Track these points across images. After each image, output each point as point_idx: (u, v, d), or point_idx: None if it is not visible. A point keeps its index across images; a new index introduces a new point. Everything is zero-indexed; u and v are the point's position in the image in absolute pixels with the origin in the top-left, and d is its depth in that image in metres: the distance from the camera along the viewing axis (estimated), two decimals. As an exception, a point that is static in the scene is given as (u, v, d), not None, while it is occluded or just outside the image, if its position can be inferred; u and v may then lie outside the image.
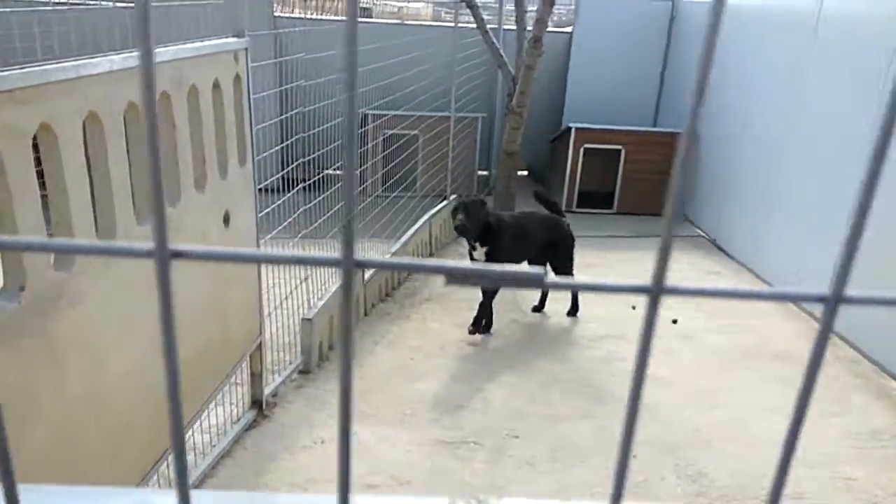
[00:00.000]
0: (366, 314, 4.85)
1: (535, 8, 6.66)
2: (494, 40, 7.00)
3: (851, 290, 0.41)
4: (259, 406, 3.32)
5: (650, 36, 9.41)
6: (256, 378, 3.27)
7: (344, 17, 0.34)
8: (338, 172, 6.90)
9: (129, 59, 1.99)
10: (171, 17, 4.70)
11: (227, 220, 2.65)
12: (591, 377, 4.02)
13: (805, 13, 5.67)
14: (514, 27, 7.35)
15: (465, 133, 8.50)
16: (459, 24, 7.27)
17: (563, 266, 4.91)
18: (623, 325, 4.85)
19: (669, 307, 5.24)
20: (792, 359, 4.32)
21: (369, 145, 8.35)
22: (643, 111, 9.68)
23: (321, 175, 5.74)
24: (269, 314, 3.44)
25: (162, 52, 2.09)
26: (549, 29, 10.74)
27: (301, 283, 3.89)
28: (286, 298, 3.71)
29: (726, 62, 6.93)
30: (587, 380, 4.00)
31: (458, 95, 7.63)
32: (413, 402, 3.60)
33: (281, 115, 5.66)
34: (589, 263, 6.51)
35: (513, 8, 7.23)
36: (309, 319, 3.80)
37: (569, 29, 9.56)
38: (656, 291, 0.42)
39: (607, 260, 6.67)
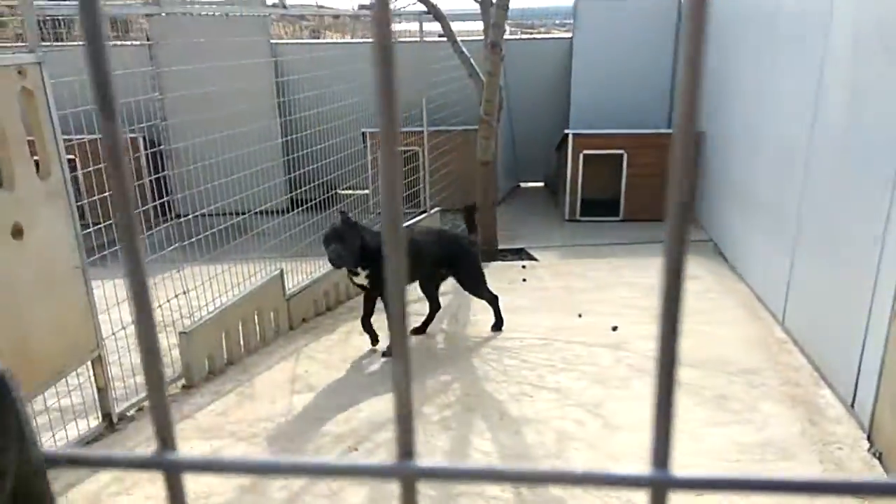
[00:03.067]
0: (291, 328, 4.82)
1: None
2: (463, 48, 6.89)
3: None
4: (109, 419, 3.33)
5: (656, 33, 8.98)
6: (102, 392, 3.29)
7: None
8: (348, 192, 7.08)
9: None
10: None
11: (18, 233, 2.69)
12: (482, 389, 3.78)
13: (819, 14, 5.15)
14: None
15: (460, 145, 8.40)
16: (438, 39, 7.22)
17: (471, 282, 4.65)
18: (556, 334, 4.55)
19: (618, 314, 4.89)
20: (731, 371, 3.89)
21: (369, 163, 8.51)
22: (656, 113, 9.21)
23: (330, 195, 5.96)
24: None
25: None
26: (547, 36, 10.51)
27: (183, 293, 3.90)
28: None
29: (735, 58, 6.45)
30: (476, 392, 3.75)
31: (447, 105, 7.59)
32: (277, 416, 3.51)
33: (284, 140, 5.94)
34: (564, 273, 6.23)
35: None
36: (185, 333, 3.80)
37: (568, 34, 9.29)
38: (662, 484, 0.37)
39: (585, 269, 6.35)
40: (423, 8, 6.88)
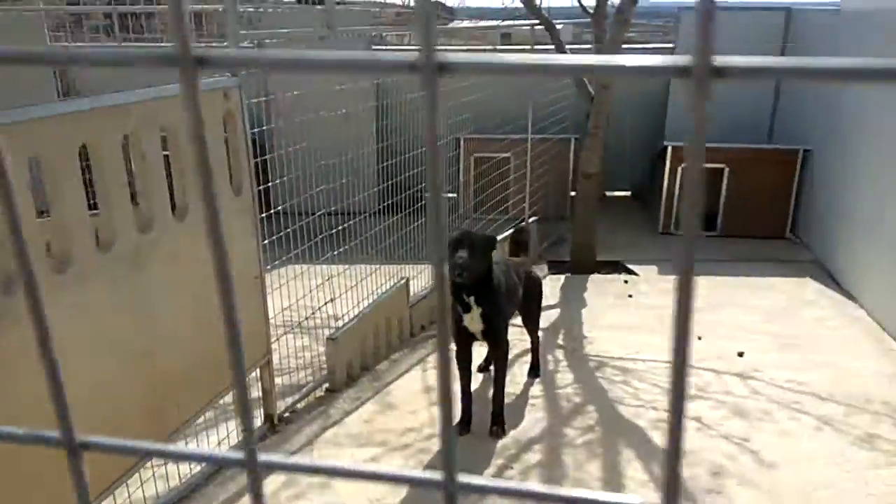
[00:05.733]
0: (412, 335, 4.94)
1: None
2: (572, 61, 6.87)
3: None
4: (270, 420, 3.51)
5: (762, 47, 8.78)
6: (267, 395, 3.46)
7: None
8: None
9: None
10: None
11: (216, 246, 2.86)
12: (618, 413, 3.80)
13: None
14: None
15: (555, 154, 8.42)
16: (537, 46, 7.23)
17: (535, 318, 4.17)
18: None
19: (739, 339, 4.84)
20: (876, 409, 3.80)
21: (461, 168, 8.61)
22: (756, 128, 9.02)
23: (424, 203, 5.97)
24: (289, 332, 3.63)
25: (128, 95, 2.34)
26: (647, 45, 10.35)
27: (328, 302, 4.06)
28: (307, 319, 3.89)
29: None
30: (613, 416, 3.79)
31: (545, 116, 7.59)
32: (423, 427, 3.62)
33: (378, 147, 6.01)
34: (668, 289, 6.18)
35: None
36: (333, 339, 3.95)
37: (670, 45, 9.17)
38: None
39: (706, 284, 6.27)
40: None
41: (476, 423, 3.59)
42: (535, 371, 4.23)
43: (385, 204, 5.06)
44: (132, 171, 2.47)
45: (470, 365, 3.60)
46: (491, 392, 3.64)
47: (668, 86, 9.11)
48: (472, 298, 3.35)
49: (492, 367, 4.06)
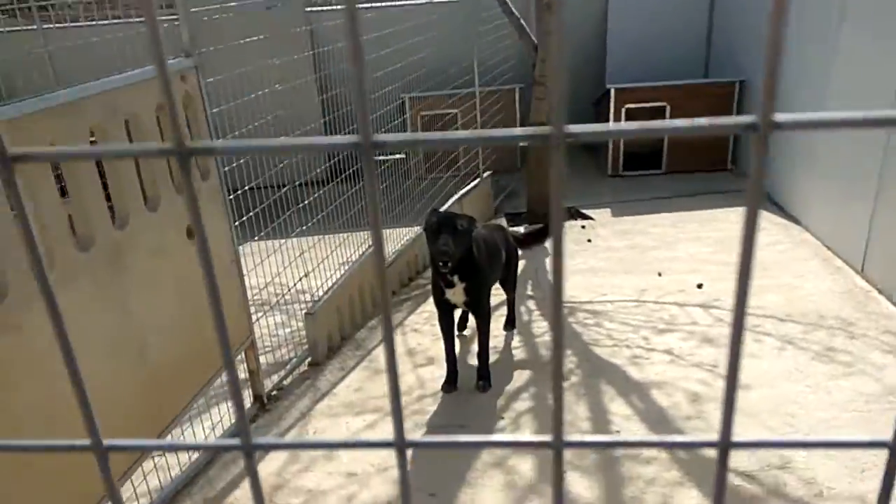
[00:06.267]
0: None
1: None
2: (513, 9, 6.87)
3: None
4: (260, 400, 3.53)
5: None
6: (254, 375, 3.47)
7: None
8: (381, 158, 7.12)
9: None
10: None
11: (190, 234, 2.82)
12: (595, 354, 3.97)
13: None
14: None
15: (502, 105, 8.46)
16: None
17: (513, 280, 4.25)
18: (644, 294, 4.73)
19: (696, 271, 5.07)
20: (830, 324, 4.07)
21: (409, 131, 8.54)
22: (693, 63, 9.23)
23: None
24: (269, 310, 3.62)
25: (92, 86, 2.25)
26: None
27: (303, 277, 4.06)
28: (283, 296, 3.89)
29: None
30: (591, 357, 3.95)
31: (489, 67, 7.57)
32: (413, 390, 3.71)
33: (322, 104, 5.84)
34: (625, 230, 6.38)
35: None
36: (311, 314, 3.97)
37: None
38: (557, 446, 0.45)
39: (644, 225, 6.50)
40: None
41: (464, 381, 3.70)
42: (511, 324, 4.36)
43: (343, 175, 5.03)
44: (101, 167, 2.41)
45: (453, 330, 3.73)
46: (473, 350, 3.75)
47: (604, 26, 9.21)
48: (455, 276, 3.44)
49: (468, 327, 4.21)
